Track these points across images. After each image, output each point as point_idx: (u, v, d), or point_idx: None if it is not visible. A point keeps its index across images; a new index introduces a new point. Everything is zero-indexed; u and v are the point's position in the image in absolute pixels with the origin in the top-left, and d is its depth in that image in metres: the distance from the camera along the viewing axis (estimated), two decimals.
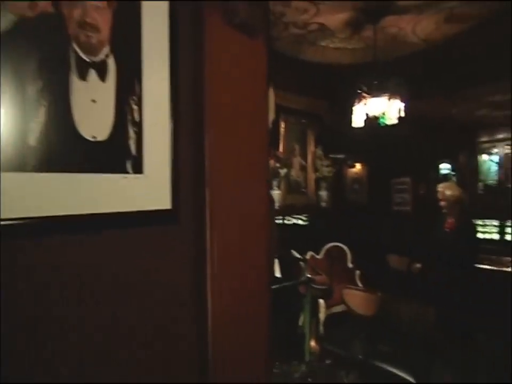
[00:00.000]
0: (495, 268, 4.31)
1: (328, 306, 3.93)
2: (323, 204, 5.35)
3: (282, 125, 5.12)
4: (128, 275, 0.78)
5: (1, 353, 0.61)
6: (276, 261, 3.70)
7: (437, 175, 5.52)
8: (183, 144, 0.85)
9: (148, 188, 0.79)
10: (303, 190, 5.24)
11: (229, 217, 0.90)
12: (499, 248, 4.37)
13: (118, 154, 0.74)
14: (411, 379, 1.92)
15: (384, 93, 3.36)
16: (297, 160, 5.23)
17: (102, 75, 0.70)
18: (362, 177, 6.48)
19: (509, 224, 4.43)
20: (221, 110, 0.88)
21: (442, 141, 5.41)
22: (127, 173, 0.75)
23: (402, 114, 3.36)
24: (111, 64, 0.73)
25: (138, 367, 0.80)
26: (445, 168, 5.50)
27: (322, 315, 3.64)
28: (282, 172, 4.63)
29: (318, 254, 5.04)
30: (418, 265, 3.55)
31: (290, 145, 5.16)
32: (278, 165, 4.58)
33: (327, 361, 2.18)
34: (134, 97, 0.77)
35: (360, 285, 4.76)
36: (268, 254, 0.98)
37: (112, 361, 0.76)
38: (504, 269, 4.21)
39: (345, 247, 5.06)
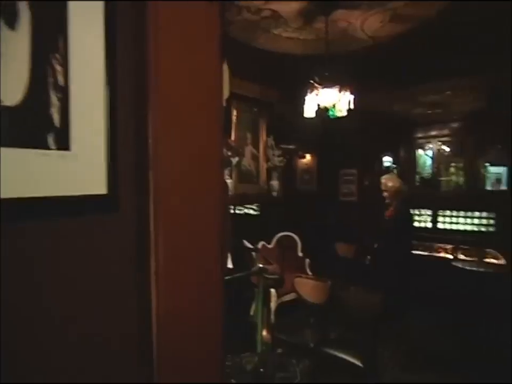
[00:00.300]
0: (428, 253, 4.69)
1: (279, 295, 3.96)
2: (274, 194, 5.37)
3: (234, 112, 5.00)
4: (54, 275, 0.64)
5: None
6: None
7: (380, 167, 5.82)
8: (122, 116, 0.71)
9: (76, 168, 0.65)
10: (254, 179, 5.20)
11: (177, 205, 0.79)
12: (432, 235, 4.76)
13: (34, 124, 0.59)
14: (359, 363, 1.99)
15: (335, 84, 3.40)
16: (249, 149, 5.17)
17: (10, 20, 0.55)
18: (312, 168, 6.62)
19: (440, 213, 4.85)
20: (168, 80, 0.76)
21: (385, 135, 5.71)
22: (48, 148, 0.61)
23: (352, 106, 3.44)
24: (24, 8, 0.57)
25: (76, 366, 0.67)
26: (387, 161, 5.83)
27: (273, 304, 3.65)
28: (234, 160, 4.54)
29: (269, 243, 5.06)
30: (368, 257, 3.75)
31: (242, 134, 5.08)
32: (229, 153, 4.47)
33: (279, 351, 2.17)
34: (57, 56, 0.62)
35: (310, 273, 4.89)
36: (221, 245, 0.89)
37: (46, 360, 0.63)
38: (435, 254, 4.60)
39: (295, 236, 5.15)
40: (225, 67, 1.04)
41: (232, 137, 4.79)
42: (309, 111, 3.60)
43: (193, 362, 0.85)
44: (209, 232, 0.86)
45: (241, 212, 5.20)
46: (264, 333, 3.06)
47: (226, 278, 2.35)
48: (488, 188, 4.76)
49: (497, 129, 4.65)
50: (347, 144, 6.09)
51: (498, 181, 4.69)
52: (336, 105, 3.62)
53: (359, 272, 3.81)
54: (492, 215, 4.49)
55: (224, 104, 1.01)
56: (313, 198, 6.41)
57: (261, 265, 2.67)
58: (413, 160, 5.48)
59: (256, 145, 5.33)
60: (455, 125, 5.19)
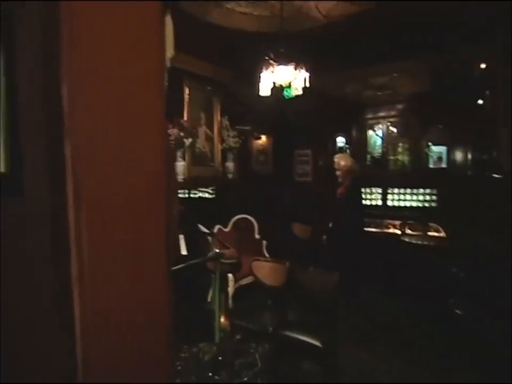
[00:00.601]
0: (379, 230, 4.91)
1: (236, 279, 3.91)
2: (230, 176, 5.24)
3: (187, 91, 4.72)
4: None
5: None
6: (182, 238, 3.46)
7: (334, 148, 5.92)
8: (25, 63, 0.53)
9: None
10: (209, 161, 5.01)
11: (104, 190, 0.63)
12: (382, 212, 4.99)
13: None
14: (319, 344, 2.00)
15: (291, 62, 3.30)
16: (203, 130, 4.94)
17: None
18: (267, 149, 6.56)
19: (390, 191, 5.09)
20: (90, 25, 0.58)
21: (338, 116, 5.79)
22: None
23: (308, 84, 3.37)
24: None
25: None
26: (340, 141, 5.94)
27: (231, 289, 3.60)
28: (187, 142, 4.31)
29: (225, 227, 4.96)
30: (324, 236, 3.80)
31: (196, 114, 4.83)
32: (182, 134, 4.23)
33: (237, 337, 2.10)
34: None
35: (267, 255, 4.89)
36: (166, 232, 0.75)
37: None
38: (386, 230, 4.83)
39: (252, 219, 5.09)
40: (168, 21, 0.87)
41: (185, 117, 4.53)
42: (264, 89, 3.48)
43: (133, 364, 0.72)
44: (148, 220, 0.72)
45: (196, 196, 5.02)
46: (222, 319, 2.99)
47: (180, 266, 2.20)
48: (431, 166, 5.06)
49: (439, 110, 4.90)
50: (302, 125, 6.09)
51: (439, 159, 5.00)
52: (291, 83, 3.52)
53: (316, 252, 3.86)
54: (434, 192, 4.80)
55: (168, 64, 0.85)
56: (269, 179, 6.39)
57: (217, 251, 2.56)
58: (364, 140, 5.64)
59: (210, 126, 5.11)
60: (401, 106, 5.40)
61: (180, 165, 4.29)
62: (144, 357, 0.73)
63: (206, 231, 4.16)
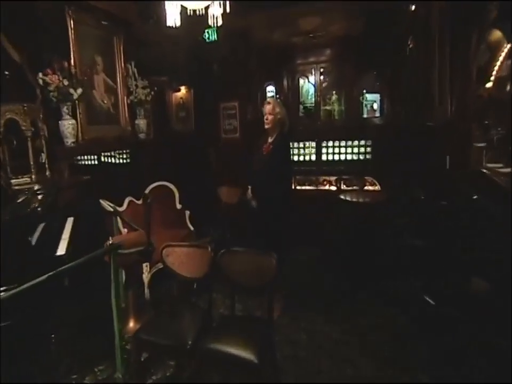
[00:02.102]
0: (314, 188, 4.57)
1: (152, 264, 3.25)
2: (142, 136, 4.33)
3: (71, 23, 3.52)
4: None
5: None
6: (69, 222, 2.63)
7: (264, 99, 5.27)
8: None
9: None
10: (113, 118, 4.01)
11: None
12: (317, 168, 4.62)
13: None
14: (254, 359, 1.50)
15: None
16: (101, 79, 3.87)
17: None
18: (188, 103, 5.66)
19: (324, 144, 4.70)
20: None
21: (267, 63, 5.09)
22: None
23: (228, 10, 2.60)
24: None
25: None
26: (270, 91, 5.30)
27: (146, 277, 2.94)
28: (76, 93, 3.26)
29: (139, 198, 4.15)
30: (250, 194, 3.23)
31: (89, 57, 3.70)
32: (66, 82, 3.18)
33: (145, 354, 1.51)
34: None
35: (191, 227, 4.26)
36: None
37: None
38: (321, 187, 4.50)
39: (171, 186, 4.35)
40: None
41: (72, 61, 3.41)
42: (172, 16, 2.60)
43: None
44: None
45: (101, 162, 4.05)
46: (132, 324, 2.35)
47: (60, 269, 1.46)
48: (365, 115, 4.76)
49: (373, 54, 4.51)
50: (227, 73, 5.27)
51: (373, 108, 4.70)
52: (209, 10, 2.69)
53: (245, 217, 3.33)
54: (368, 143, 4.54)
55: None
56: (192, 138, 5.58)
57: (110, 242, 1.84)
58: (295, 89, 5.08)
59: (112, 74, 4.03)
60: (333, 51, 4.89)
61: (67, 124, 3.28)
62: None
63: (110, 209, 3.34)
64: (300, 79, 5.14)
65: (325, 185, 4.48)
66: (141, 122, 4.31)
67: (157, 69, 4.81)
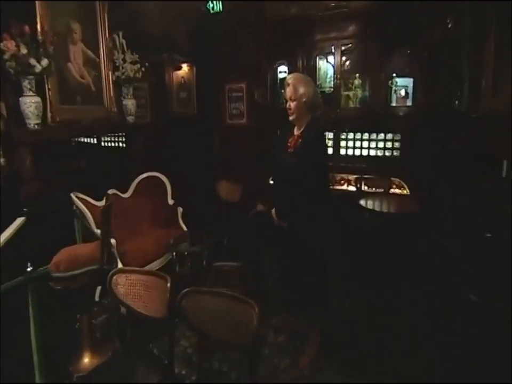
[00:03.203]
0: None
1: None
2: (130, 119, 3.73)
3: None
4: None
5: None
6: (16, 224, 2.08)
7: (275, 80, 4.58)
8: None
9: None
10: (93, 97, 3.41)
11: None
12: (334, 164, 3.92)
13: None
14: None
15: None
16: (78, 50, 3.26)
17: None
18: (190, 83, 5.02)
19: (343, 137, 3.99)
20: None
21: (280, 38, 4.36)
22: None
23: None
24: None
25: None
26: (283, 71, 4.58)
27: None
28: (41, 64, 2.67)
29: (124, 191, 3.61)
30: (260, 205, 2.53)
31: (62, 23, 3.09)
32: (24, 51, 2.58)
33: None
34: None
35: (184, 226, 3.69)
36: None
37: None
38: (338, 187, 3.82)
39: (164, 178, 3.78)
40: None
41: (38, 26, 2.81)
42: None
43: None
44: None
45: (80, 148, 3.50)
46: (86, 359, 1.81)
47: None
48: (394, 103, 4.00)
49: (406, 30, 3.73)
50: (233, 50, 4.59)
51: (404, 95, 3.93)
52: None
53: (245, 222, 2.71)
54: (397, 137, 3.81)
55: None
56: (193, 122, 4.96)
57: (30, 269, 1.26)
58: (312, 70, 4.35)
59: (93, 45, 3.42)
60: (357, 24, 4.11)
61: (29, 102, 2.70)
62: None
63: (79, 204, 2.79)
64: (317, 58, 4.39)
65: (342, 184, 3.79)
66: (129, 103, 3.70)
67: (151, 42, 4.18)
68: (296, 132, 2.31)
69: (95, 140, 3.90)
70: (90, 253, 1.94)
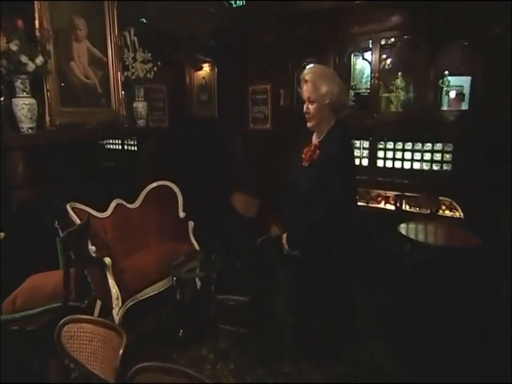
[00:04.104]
0: (361, 204, 3.31)
1: (125, 296, 2.39)
2: (141, 123, 3.41)
3: None
4: None
5: None
6: None
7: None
8: None
9: None
10: (98, 99, 3.12)
11: None
12: (369, 177, 3.34)
13: None
14: None
15: None
16: (83, 48, 2.98)
17: None
18: (211, 84, 4.66)
19: (381, 146, 3.40)
20: None
21: (309, 32, 3.87)
22: None
23: None
24: None
25: None
26: None
27: (116, 311, 2.05)
28: (35, 63, 2.39)
29: (131, 202, 3.29)
30: (275, 228, 2.04)
31: (65, 19, 2.82)
32: (14, 47, 2.31)
33: None
34: None
35: (195, 242, 3.31)
36: None
37: None
38: (373, 204, 3.23)
39: (175, 187, 3.43)
40: None
41: (36, 22, 2.55)
42: None
43: None
44: None
45: (84, 153, 3.22)
46: None
47: None
48: (444, 107, 3.35)
49: (464, 16, 3.09)
50: (257, 47, 4.17)
51: (459, 97, 3.27)
52: None
53: (254, 249, 2.23)
54: (448, 147, 3.16)
55: None
56: (212, 127, 4.59)
57: None
58: (345, 69, 3.80)
59: (100, 43, 3.13)
60: (401, 14, 3.51)
61: (21, 104, 2.43)
62: None
63: (73, 217, 2.48)
64: (352, 55, 3.85)
65: (379, 202, 3.19)
66: (140, 106, 3.38)
67: (167, 40, 3.86)
68: (314, 140, 1.82)
69: (103, 145, 3.63)
70: (55, 286, 1.57)
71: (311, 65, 1.80)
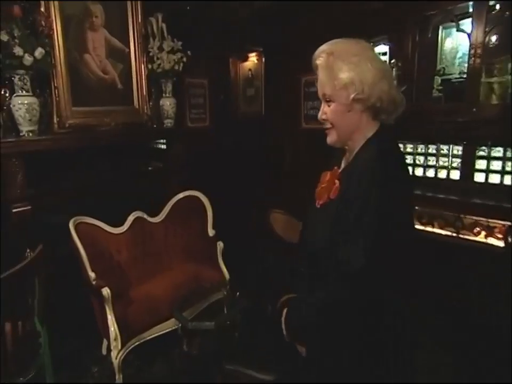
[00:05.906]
0: (449, 234, 2.35)
1: (129, 337, 1.89)
2: (168, 123, 2.92)
3: None
4: None
5: None
6: None
7: None
8: None
9: None
10: (119, 96, 2.69)
11: None
12: (462, 197, 2.36)
13: None
14: None
15: None
16: (100, 38, 2.57)
17: None
18: (258, 76, 4.02)
19: (483, 153, 2.37)
20: None
21: (377, 5, 2.99)
22: None
23: None
24: None
25: None
26: (381, 52, 3.16)
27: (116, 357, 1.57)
28: (33, 56, 2.01)
29: (154, 215, 2.84)
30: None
31: (78, 4, 2.42)
32: (5, 37, 1.95)
33: None
34: None
35: (224, 268, 2.74)
36: None
37: None
38: (468, 236, 2.24)
39: (204, 199, 2.90)
40: None
41: (42, 8, 2.18)
42: None
43: None
44: None
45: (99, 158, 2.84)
46: None
47: None
48: None
49: None
50: (312, 29, 3.41)
51: None
52: None
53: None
54: None
55: None
56: (259, 126, 3.96)
57: None
58: (430, 46, 2.84)
59: (120, 32, 2.70)
60: None
61: (18, 104, 2.07)
62: None
63: (74, 237, 2.06)
64: (440, 27, 2.86)
65: (477, 234, 2.16)
66: (167, 103, 2.88)
67: (204, 28, 3.31)
68: (344, 163, 1.10)
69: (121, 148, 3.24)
70: None
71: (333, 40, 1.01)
